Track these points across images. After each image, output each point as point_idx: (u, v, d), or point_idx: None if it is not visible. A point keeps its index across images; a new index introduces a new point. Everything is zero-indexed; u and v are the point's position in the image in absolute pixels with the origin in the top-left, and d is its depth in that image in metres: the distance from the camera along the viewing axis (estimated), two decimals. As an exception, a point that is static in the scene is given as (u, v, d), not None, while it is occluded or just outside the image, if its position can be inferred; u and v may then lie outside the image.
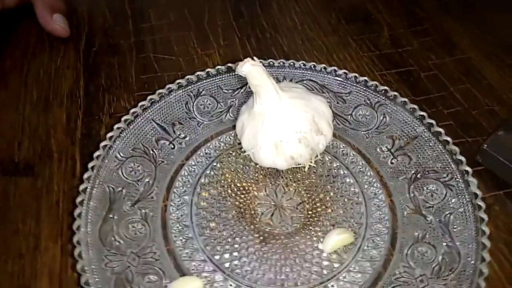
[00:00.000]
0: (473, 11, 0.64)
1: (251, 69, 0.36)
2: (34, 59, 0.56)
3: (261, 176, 0.44)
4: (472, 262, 0.35)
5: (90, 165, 0.40)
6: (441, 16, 0.63)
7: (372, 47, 0.59)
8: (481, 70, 0.56)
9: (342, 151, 0.46)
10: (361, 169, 0.44)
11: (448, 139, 0.42)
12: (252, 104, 0.40)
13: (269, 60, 0.49)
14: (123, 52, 0.57)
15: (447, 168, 0.41)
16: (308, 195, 0.42)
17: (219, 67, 0.49)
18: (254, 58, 0.37)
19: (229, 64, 0.49)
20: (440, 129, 0.43)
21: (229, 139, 0.46)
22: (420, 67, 0.56)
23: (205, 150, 0.45)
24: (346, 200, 0.42)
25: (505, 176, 0.43)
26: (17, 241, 0.40)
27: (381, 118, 0.46)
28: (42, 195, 0.43)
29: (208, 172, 0.44)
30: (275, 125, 0.39)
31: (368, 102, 0.47)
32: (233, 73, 0.48)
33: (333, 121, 0.46)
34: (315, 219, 0.41)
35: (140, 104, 0.45)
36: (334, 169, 0.44)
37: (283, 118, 0.39)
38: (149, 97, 0.45)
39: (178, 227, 0.39)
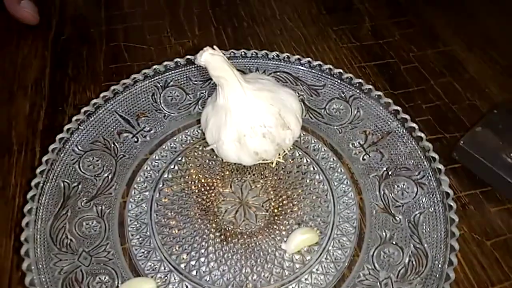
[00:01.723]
0: (457, 2, 0.62)
1: (210, 58, 0.34)
2: (0, 48, 0.54)
3: (227, 172, 0.42)
4: (440, 265, 0.33)
5: (44, 158, 0.38)
6: (425, 7, 0.61)
7: (352, 38, 0.56)
8: (463, 63, 0.54)
9: (314, 146, 0.44)
10: (332, 166, 0.42)
11: (422, 135, 0.40)
12: (216, 96, 0.38)
13: (242, 51, 0.47)
14: (93, 40, 0.55)
15: (419, 166, 0.39)
16: (275, 193, 0.40)
17: (188, 56, 0.47)
18: (214, 47, 0.35)
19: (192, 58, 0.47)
20: (414, 125, 0.41)
21: (196, 132, 0.44)
22: (400, 59, 0.54)
23: (170, 144, 0.43)
24: (314, 197, 0.40)
25: (481, 174, 0.42)
26: (-32, 237, 0.38)
27: (355, 112, 0.44)
28: (-3, 189, 0.41)
29: (172, 167, 0.42)
30: (238, 119, 0.37)
31: (343, 95, 0.45)
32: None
33: (304, 115, 0.45)
34: (281, 217, 0.39)
35: (102, 94, 0.43)
36: (304, 165, 0.42)
37: (247, 111, 0.37)
38: (112, 88, 0.43)
39: (136, 224, 0.38)
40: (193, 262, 0.36)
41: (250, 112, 0.37)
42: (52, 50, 0.54)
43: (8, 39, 0.55)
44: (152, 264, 0.35)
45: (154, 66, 0.45)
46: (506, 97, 0.50)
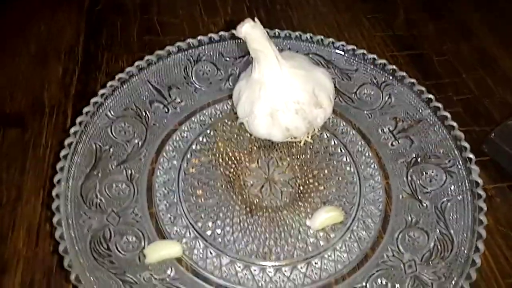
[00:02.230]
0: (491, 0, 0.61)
1: (250, 30, 0.34)
2: (36, 14, 0.55)
3: (255, 147, 0.42)
4: (465, 251, 0.33)
5: (78, 120, 0.38)
6: (459, 2, 0.60)
7: (386, 28, 0.56)
8: (496, 60, 0.53)
9: (342, 129, 0.44)
10: (360, 149, 0.42)
11: (454, 124, 0.40)
12: (251, 71, 0.38)
13: (275, 30, 0.47)
14: (127, 12, 0.55)
15: (449, 154, 0.39)
16: (302, 171, 0.41)
17: (222, 33, 0.47)
18: (255, 19, 0.35)
19: (233, 31, 0.47)
20: (447, 113, 0.41)
21: (225, 107, 0.45)
22: (433, 51, 0.54)
23: (200, 116, 0.44)
24: (340, 179, 0.40)
25: (510, 168, 0.41)
26: (-1, 191, 0.39)
27: (387, 98, 0.44)
28: (29, 148, 0.42)
29: (200, 139, 0.42)
30: (272, 94, 0.37)
31: (375, 81, 0.45)
32: (236, 41, 0.46)
33: (335, 97, 0.45)
34: (306, 195, 0.39)
35: (136, 64, 0.43)
36: (332, 147, 0.42)
37: (282, 87, 0.37)
38: (146, 58, 0.44)
39: (163, 191, 0.38)
40: (218, 231, 0.36)
41: (285, 87, 0.37)
42: (87, 20, 0.54)
43: (44, 7, 0.56)
44: (178, 230, 0.36)
45: (188, 40, 0.46)
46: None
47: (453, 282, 0.32)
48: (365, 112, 0.44)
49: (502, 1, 0.60)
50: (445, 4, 0.60)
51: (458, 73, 0.51)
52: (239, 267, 0.34)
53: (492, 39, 0.55)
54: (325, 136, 0.43)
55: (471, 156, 0.38)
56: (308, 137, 0.41)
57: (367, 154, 0.42)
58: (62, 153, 0.36)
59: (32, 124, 0.43)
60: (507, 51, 0.54)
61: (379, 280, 0.33)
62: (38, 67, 0.49)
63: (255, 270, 0.34)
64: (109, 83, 0.41)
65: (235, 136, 0.43)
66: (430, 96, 0.42)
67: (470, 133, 0.45)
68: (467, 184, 0.37)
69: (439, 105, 0.41)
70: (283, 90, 0.37)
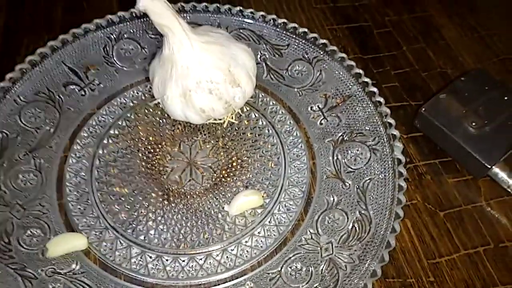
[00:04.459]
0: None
1: (149, 4, 0.32)
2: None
3: (177, 131, 0.40)
4: (382, 232, 0.32)
5: (-19, 107, 0.36)
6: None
7: (327, -1, 0.54)
8: (440, 30, 0.51)
9: (272, 108, 0.42)
10: (288, 129, 0.40)
11: (381, 100, 0.38)
12: (162, 48, 0.36)
13: (203, 4, 0.45)
14: (52, -11, 0.52)
15: (375, 131, 0.38)
16: (226, 154, 0.39)
17: (145, 9, 0.44)
18: (156, -8, 0.33)
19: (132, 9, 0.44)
20: (374, 89, 0.39)
21: (149, 89, 0.42)
22: (374, 23, 0.51)
23: (120, 99, 0.41)
24: (265, 160, 0.38)
25: (442, 144, 0.40)
26: None
27: (318, 74, 0.42)
28: None
29: (120, 123, 0.40)
30: (184, 73, 0.35)
31: (306, 56, 0.43)
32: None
33: (265, 76, 0.43)
34: (228, 179, 0.37)
35: (49, 44, 0.40)
36: (259, 127, 0.41)
37: (193, 65, 0.35)
38: (60, 37, 0.41)
39: (75, 180, 0.36)
40: (130, 220, 0.34)
41: (196, 65, 0.35)
42: (8, -2, 0.51)
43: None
44: (88, 221, 0.34)
45: (108, 16, 0.43)
46: (479, 67, 0.47)
47: (366, 265, 0.31)
48: (295, 89, 0.42)
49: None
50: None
51: (399, 46, 0.49)
52: (150, 257, 0.33)
53: (437, 8, 0.53)
54: (253, 116, 0.41)
55: (395, 133, 0.36)
56: (231, 117, 0.40)
57: (295, 134, 0.40)
58: (-38, 143, 0.34)
59: None
60: (452, 21, 0.52)
61: (294, 265, 0.32)
62: (-47, 51, 0.46)
63: (166, 260, 0.33)
64: (18, 66, 0.39)
65: (157, 119, 0.41)
66: (359, 71, 0.40)
67: (405, 108, 0.44)
68: (389, 162, 0.35)
69: (368, 80, 0.40)
70: (194, 68, 0.35)
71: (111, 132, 0.39)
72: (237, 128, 0.40)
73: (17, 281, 0.30)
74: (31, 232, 0.33)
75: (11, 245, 0.32)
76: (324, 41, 0.43)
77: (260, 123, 0.41)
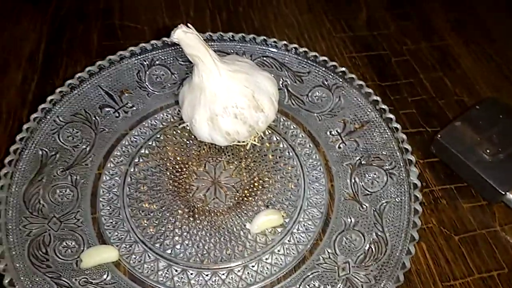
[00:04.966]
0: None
1: (183, 36, 0.35)
2: (1, 21, 0.55)
3: (203, 151, 0.42)
4: (397, 254, 0.33)
5: (24, 126, 0.39)
6: (425, 1, 0.60)
7: (347, 28, 0.56)
8: (457, 58, 0.53)
9: (292, 132, 0.44)
10: (308, 152, 0.42)
11: (398, 126, 0.40)
12: (192, 76, 0.39)
13: (230, 34, 0.48)
14: (89, 17, 0.56)
15: (392, 156, 0.39)
16: (248, 174, 0.41)
17: (176, 37, 0.47)
18: (189, 25, 0.35)
19: (165, 39, 0.47)
20: (391, 115, 0.41)
21: (178, 112, 0.45)
22: (392, 51, 0.53)
23: (151, 121, 0.44)
24: (285, 182, 0.40)
25: (457, 170, 0.41)
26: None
27: (337, 100, 0.44)
28: (-17, 154, 0.43)
29: (150, 143, 0.43)
30: (212, 99, 0.37)
31: (326, 83, 0.45)
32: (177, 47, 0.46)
33: (286, 101, 0.45)
34: (250, 198, 0.39)
35: (87, 69, 0.44)
36: (280, 150, 0.43)
37: (221, 91, 0.37)
38: (97, 63, 0.44)
39: (108, 196, 0.39)
40: (158, 235, 0.37)
41: (224, 92, 0.37)
42: (49, 25, 0.55)
43: (10, 13, 0.56)
44: (119, 234, 0.37)
45: (141, 44, 0.46)
46: (494, 95, 0.49)
47: (382, 285, 0.32)
48: (315, 114, 0.45)
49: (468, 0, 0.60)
50: (410, 2, 0.60)
51: (416, 74, 0.51)
52: (176, 270, 0.35)
53: (455, 38, 0.55)
54: (275, 139, 0.43)
55: (412, 158, 0.38)
56: (254, 140, 0.42)
57: (314, 157, 0.42)
58: (7, 159, 0.37)
59: (-13, 130, 0.44)
60: (469, 50, 0.54)
61: (312, 283, 0.34)
62: (0, 75, 0.49)
63: (191, 274, 0.35)
64: (58, 89, 0.42)
65: (185, 140, 0.43)
66: (377, 98, 0.42)
67: (422, 134, 0.45)
68: (406, 186, 0.37)
69: (385, 107, 0.42)
70: (222, 95, 0.37)
71: (142, 151, 0.42)
72: (259, 150, 0.43)
73: (54, 289, 0.32)
74: (66, 243, 0.35)
75: (48, 255, 0.34)
76: (343, 68, 0.45)
77: (281, 145, 0.43)
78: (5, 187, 0.36)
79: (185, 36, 0.35)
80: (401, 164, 0.38)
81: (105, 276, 0.34)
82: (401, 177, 0.38)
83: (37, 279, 0.32)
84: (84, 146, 0.41)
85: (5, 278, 0.31)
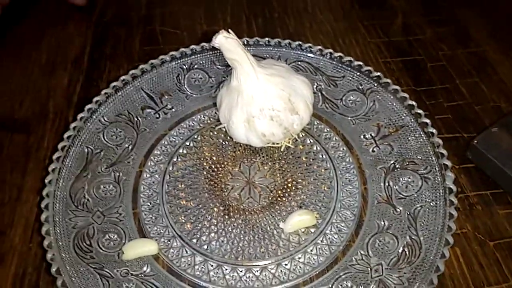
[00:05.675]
0: (494, 4, 0.60)
1: (224, 41, 0.36)
2: (49, 26, 0.59)
3: (238, 152, 0.44)
4: (431, 257, 0.33)
5: (72, 125, 0.41)
6: (461, 6, 0.59)
7: (382, 34, 0.56)
8: (494, 65, 0.52)
9: (326, 135, 0.45)
10: (341, 155, 0.43)
11: (433, 131, 0.40)
12: (230, 79, 0.40)
13: (266, 39, 0.49)
14: (131, 23, 0.59)
15: (427, 161, 0.39)
16: (282, 175, 0.42)
17: (214, 42, 0.49)
18: (229, 30, 0.37)
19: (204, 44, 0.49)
20: (427, 120, 0.41)
21: (214, 114, 0.47)
22: (428, 57, 0.53)
23: (189, 122, 0.46)
24: (319, 183, 0.41)
25: (493, 175, 0.41)
26: (2, 191, 0.42)
27: (371, 104, 0.45)
28: (31, 152, 0.45)
29: (187, 143, 0.44)
30: (249, 101, 0.39)
31: (360, 87, 0.46)
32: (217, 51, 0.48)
33: (320, 105, 0.46)
34: (283, 199, 0.40)
35: (130, 72, 0.46)
36: (314, 152, 0.43)
37: (258, 94, 0.39)
38: (140, 66, 0.46)
39: (148, 192, 0.40)
40: (195, 231, 0.38)
41: (261, 95, 0.38)
42: (93, 31, 0.58)
43: (57, 19, 0.60)
44: (158, 229, 0.38)
45: (181, 49, 0.48)
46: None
47: (415, 287, 0.32)
48: (349, 118, 0.45)
49: (504, 7, 0.59)
50: (446, 9, 0.59)
51: (452, 79, 0.51)
52: (212, 266, 0.36)
53: (491, 44, 0.55)
54: (309, 142, 0.44)
55: (448, 163, 0.38)
56: (288, 142, 0.43)
57: (347, 160, 0.42)
58: (55, 155, 0.39)
59: (36, 130, 0.47)
60: (506, 56, 0.53)
61: (344, 283, 0.34)
62: (46, 76, 0.52)
63: (226, 269, 0.36)
64: (104, 91, 0.44)
65: (220, 141, 0.45)
66: (412, 102, 0.42)
67: (458, 139, 0.45)
68: (441, 191, 0.37)
69: (420, 111, 0.42)
70: (258, 97, 0.38)
71: (180, 151, 0.44)
72: (293, 152, 0.43)
73: (96, 279, 0.34)
74: (109, 236, 0.37)
75: (92, 247, 0.36)
76: (378, 73, 0.45)
77: (315, 148, 0.44)
78: (53, 181, 0.38)
79: (226, 41, 0.36)
80: (437, 168, 0.38)
81: (145, 268, 0.36)
82: (436, 181, 0.38)
83: (81, 269, 0.34)
84: (126, 145, 0.43)
85: (52, 267, 0.33)
